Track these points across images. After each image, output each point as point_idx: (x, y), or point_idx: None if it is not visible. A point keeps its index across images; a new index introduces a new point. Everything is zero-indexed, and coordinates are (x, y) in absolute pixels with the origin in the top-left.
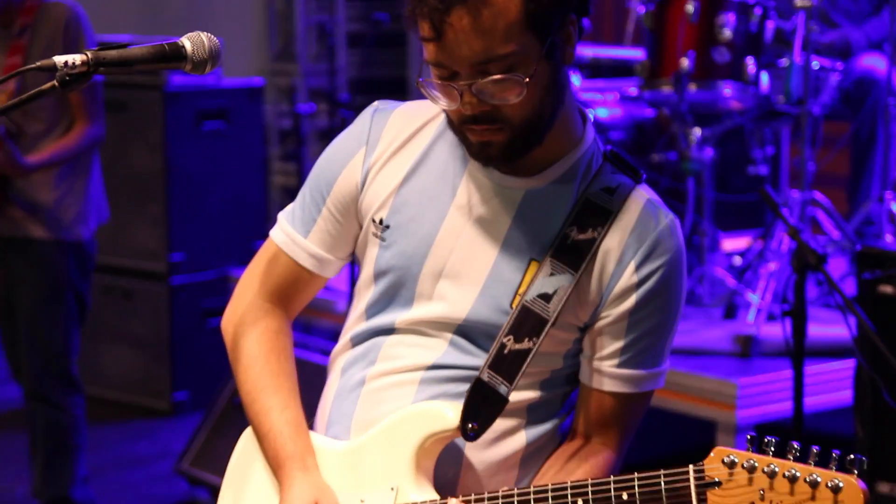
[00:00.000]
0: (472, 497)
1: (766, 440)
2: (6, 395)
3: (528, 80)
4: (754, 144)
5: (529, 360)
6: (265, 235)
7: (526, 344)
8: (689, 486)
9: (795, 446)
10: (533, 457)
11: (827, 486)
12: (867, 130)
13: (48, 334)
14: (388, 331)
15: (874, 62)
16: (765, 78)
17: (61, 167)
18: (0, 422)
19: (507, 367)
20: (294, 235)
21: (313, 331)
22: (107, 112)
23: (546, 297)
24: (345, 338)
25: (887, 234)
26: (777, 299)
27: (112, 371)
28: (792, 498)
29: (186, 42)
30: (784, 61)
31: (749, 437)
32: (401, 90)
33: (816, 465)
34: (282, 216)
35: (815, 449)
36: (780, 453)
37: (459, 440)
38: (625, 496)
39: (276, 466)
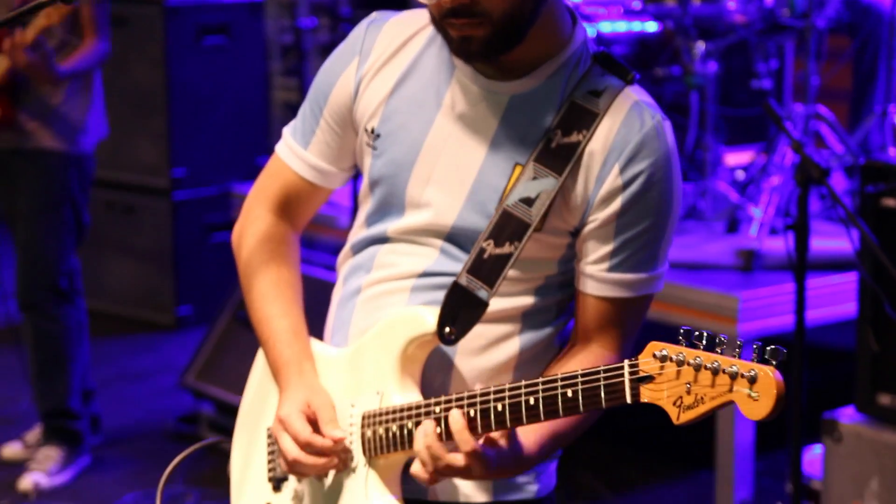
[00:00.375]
0: (433, 400)
1: (696, 334)
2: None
3: None
4: (758, 58)
5: (510, 265)
6: (267, 150)
7: (507, 248)
8: (623, 381)
9: (723, 339)
10: (527, 364)
11: (743, 376)
12: (872, 44)
13: (42, 244)
14: (383, 239)
15: None
16: None
17: (70, 81)
18: (7, 335)
19: (486, 271)
20: (295, 148)
21: (316, 245)
22: None
23: (528, 202)
24: (347, 246)
25: (891, 147)
26: (780, 213)
27: (115, 286)
28: (713, 390)
29: None
30: None
31: (682, 330)
32: (401, 3)
33: (741, 357)
34: (285, 130)
35: (740, 341)
36: (710, 347)
37: (452, 346)
38: (569, 393)
39: (275, 372)
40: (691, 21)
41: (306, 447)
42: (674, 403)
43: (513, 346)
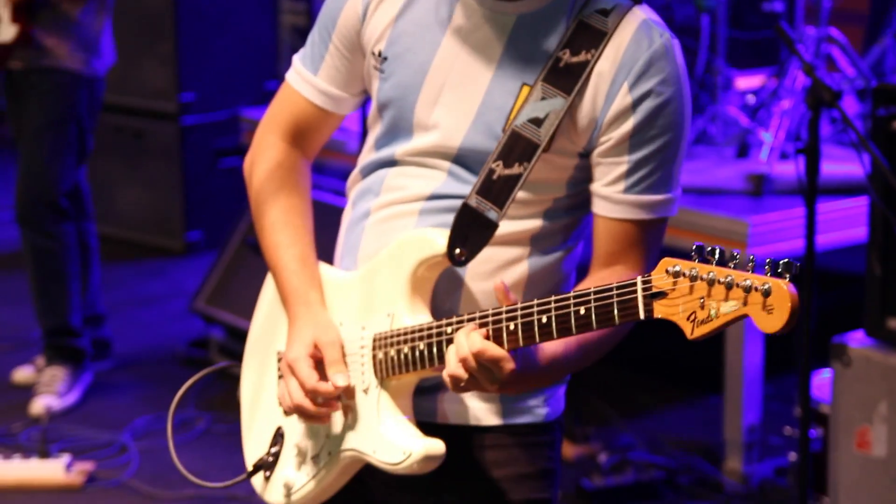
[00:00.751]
0: (444, 321)
1: (709, 249)
2: None
3: None
4: None
5: (520, 185)
6: (276, 75)
7: (516, 169)
8: (636, 298)
9: (735, 254)
10: (536, 287)
11: (756, 289)
12: None
13: (44, 161)
14: (391, 163)
15: None
16: None
17: (86, 3)
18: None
19: (496, 192)
20: (305, 73)
21: (325, 171)
22: None
23: (537, 122)
24: (356, 169)
25: None
26: (790, 137)
27: (125, 211)
28: (727, 304)
29: None
30: None
31: (695, 246)
32: None
33: (754, 272)
34: (295, 57)
35: (752, 255)
36: (722, 262)
37: (461, 270)
38: (582, 311)
39: (283, 301)
40: None
41: (311, 394)
42: (687, 318)
43: (521, 270)
